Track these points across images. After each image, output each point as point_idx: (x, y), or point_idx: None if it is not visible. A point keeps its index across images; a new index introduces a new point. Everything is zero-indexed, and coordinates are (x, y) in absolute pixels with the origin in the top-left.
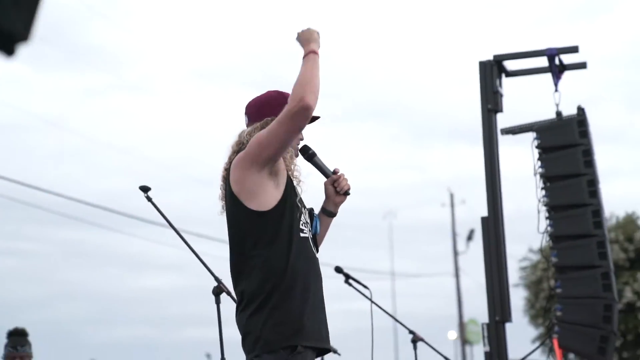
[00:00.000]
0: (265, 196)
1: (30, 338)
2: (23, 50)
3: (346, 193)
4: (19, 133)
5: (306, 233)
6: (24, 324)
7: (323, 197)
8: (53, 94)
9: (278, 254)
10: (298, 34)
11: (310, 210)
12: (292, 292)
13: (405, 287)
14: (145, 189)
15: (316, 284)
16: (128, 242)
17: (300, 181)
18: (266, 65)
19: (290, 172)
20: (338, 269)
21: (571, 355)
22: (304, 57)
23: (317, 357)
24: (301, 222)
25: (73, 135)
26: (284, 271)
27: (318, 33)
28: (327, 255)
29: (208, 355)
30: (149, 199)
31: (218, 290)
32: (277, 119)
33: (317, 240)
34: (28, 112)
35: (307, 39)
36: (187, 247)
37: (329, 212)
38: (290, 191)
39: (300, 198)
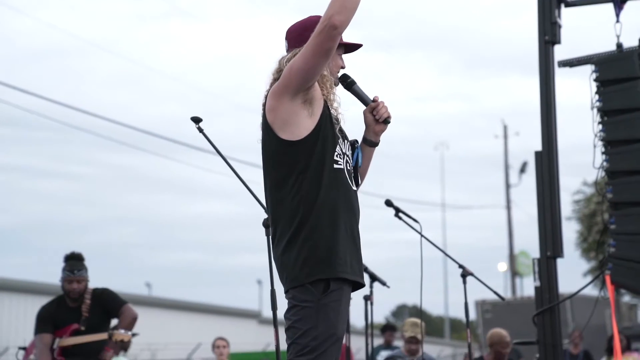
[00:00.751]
0: (297, 126)
1: (86, 262)
2: None
3: (386, 121)
4: (71, 57)
5: (341, 164)
6: (79, 246)
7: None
8: (106, 19)
9: (309, 186)
10: None
11: (353, 142)
12: (322, 224)
13: (456, 218)
14: (196, 120)
15: (350, 217)
16: (180, 168)
17: (339, 112)
18: None
19: (329, 101)
20: (388, 203)
21: (622, 291)
22: None
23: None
24: (336, 153)
25: (125, 61)
26: (314, 203)
27: None
28: (378, 185)
29: (259, 282)
30: (200, 130)
31: (268, 223)
32: (307, 41)
33: (357, 172)
34: (80, 37)
35: None
36: (237, 177)
37: (370, 141)
38: (326, 121)
39: (340, 128)
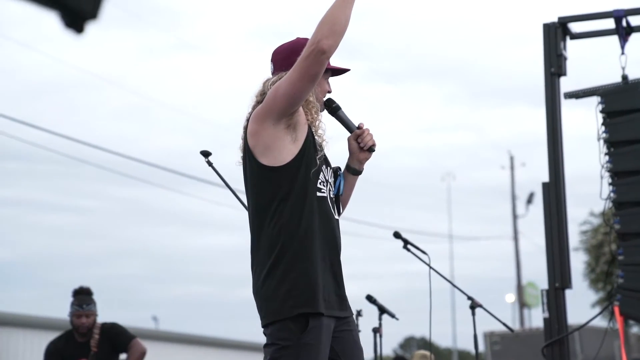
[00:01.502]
0: (280, 151)
1: (94, 297)
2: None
3: (370, 149)
4: (79, 92)
5: (324, 192)
6: (85, 280)
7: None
8: (114, 53)
9: (290, 214)
10: None
11: (336, 170)
12: (304, 255)
13: (464, 249)
14: (206, 154)
15: (330, 247)
16: (187, 201)
17: (323, 139)
18: None
19: (313, 127)
20: (397, 235)
21: (631, 322)
22: None
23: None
24: (319, 181)
25: (133, 95)
26: (295, 232)
27: None
28: (385, 217)
29: None
30: (209, 163)
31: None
32: (294, 65)
33: (339, 200)
34: (89, 71)
35: None
36: (246, 210)
37: (353, 169)
38: (309, 147)
39: (324, 155)
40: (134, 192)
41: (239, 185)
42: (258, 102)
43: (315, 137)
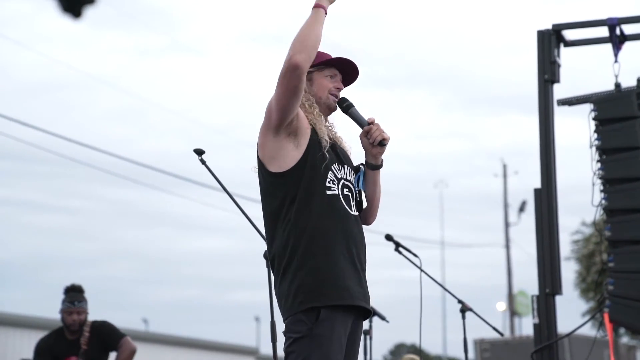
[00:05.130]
0: (284, 158)
1: (85, 295)
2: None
3: (381, 144)
4: (73, 92)
5: (334, 190)
6: (77, 281)
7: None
8: (107, 53)
9: (298, 215)
10: None
11: (357, 167)
12: (313, 252)
13: (455, 256)
14: (199, 152)
15: (348, 242)
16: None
17: (334, 139)
18: None
19: (317, 130)
20: (388, 237)
21: (622, 330)
22: (312, 9)
23: (363, 318)
24: (328, 180)
25: (126, 96)
26: (303, 232)
27: None
28: (377, 223)
29: (257, 318)
30: (202, 161)
31: (267, 255)
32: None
33: (360, 196)
34: (82, 71)
35: None
36: (239, 210)
37: (370, 164)
38: (314, 149)
39: (338, 153)
40: (127, 193)
41: (231, 187)
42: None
43: (323, 137)
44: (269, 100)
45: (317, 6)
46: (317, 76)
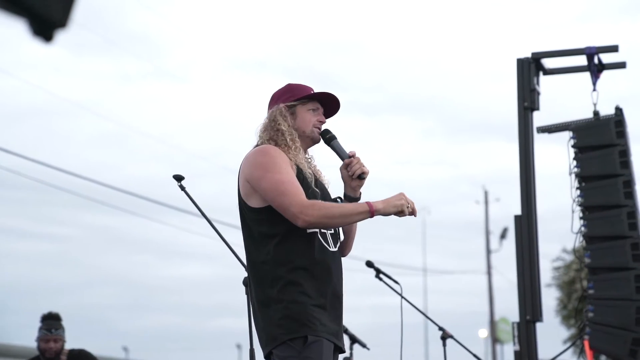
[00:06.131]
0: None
1: (63, 323)
2: (61, 36)
3: (360, 177)
4: (55, 118)
5: None
6: (56, 308)
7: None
8: (90, 79)
9: (279, 250)
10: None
11: (335, 200)
12: (294, 287)
13: (437, 283)
14: (178, 178)
15: (325, 279)
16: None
17: (315, 175)
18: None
19: (299, 164)
20: (369, 264)
21: (602, 357)
22: (366, 207)
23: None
24: None
25: (109, 122)
26: (283, 267)
27: (402, 203)
28: (359, 249)
29: (238, 346)
30: (182, 187)
31: (248, 281)
32: (281, 187)
33: (338, 229)
34: (65, 97)
35: (385, 200)
36: (219, 237)
37: (349, 197)
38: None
39: (315, 190)
40: (108, 220)
41: (213, 213)
42: (256, 145)
43: (305, 172)
44: (259, 174)
45: (371, 210)
46: (300, 110)
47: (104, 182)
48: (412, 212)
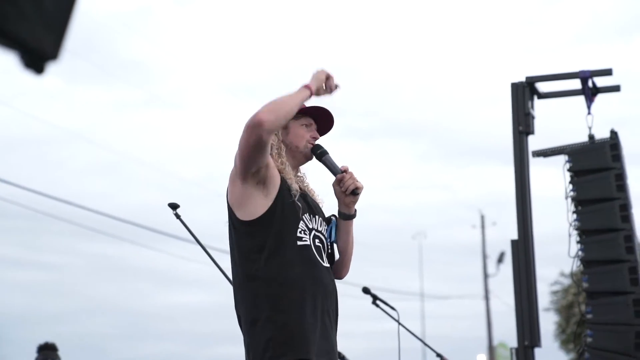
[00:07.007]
0: (254, 206)
1: (60, 352)
2: (54, 65)
3: (354, 192)
4: (49, 146)
5: (306, 241)
6: (52, 337)
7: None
8: (83, 107)
9: (267, 265)
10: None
11: (329, 218)
12: (283, 304)
13: (435, 308)
14: (174, 206)
15: (317, 294)
16: (156, 257)
17: (305, 190)
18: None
19: (288, 179)
20: (366, 290)
21: None
22: (300, 87)
23: None
24: (299, 230)
25: (103, 150)
26: (273, 282)
27: (328, 76)
28: (355, 275)
29: None
30: (177, 216)
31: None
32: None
33: (332, 247)
34: (58, 126)
35: (313, 76)
36: (214, 264)
37: (343, 214)
38: (284, 199)
39: (306, 205)
40: (104, 248)
41: (209, 240)
42: None
43: (292, 185)
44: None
45: (306, 86)
46: (293, 125)
47: (99, 210)
48: (331, 88)
